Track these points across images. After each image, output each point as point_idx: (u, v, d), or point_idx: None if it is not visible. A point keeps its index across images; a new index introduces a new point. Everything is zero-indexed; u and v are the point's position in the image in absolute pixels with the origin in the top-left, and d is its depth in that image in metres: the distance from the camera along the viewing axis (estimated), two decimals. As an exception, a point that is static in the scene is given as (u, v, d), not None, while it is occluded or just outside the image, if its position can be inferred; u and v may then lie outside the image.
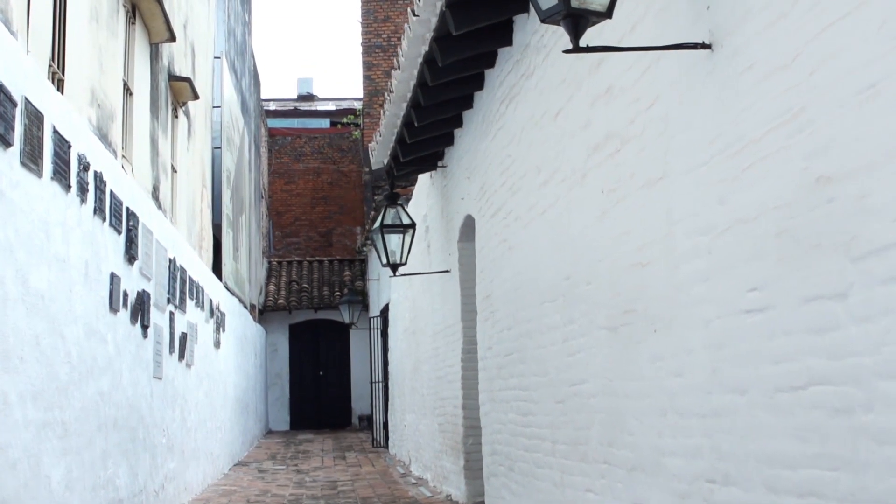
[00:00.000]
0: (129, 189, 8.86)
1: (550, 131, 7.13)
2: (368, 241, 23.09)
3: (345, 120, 36.68)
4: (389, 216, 11.45)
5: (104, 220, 7.78)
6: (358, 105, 34.95)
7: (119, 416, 8.27)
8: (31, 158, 5.96)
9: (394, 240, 11.46)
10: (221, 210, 18.22)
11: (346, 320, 23.86)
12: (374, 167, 12.57)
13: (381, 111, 11.16)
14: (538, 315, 7.44)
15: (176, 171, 13.44)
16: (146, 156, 11.64)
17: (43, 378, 6.11)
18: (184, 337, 11.73)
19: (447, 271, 11.55)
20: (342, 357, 29.23)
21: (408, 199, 13.89)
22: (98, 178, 7.59)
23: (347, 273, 30.43)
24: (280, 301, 29.08)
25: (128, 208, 8.66)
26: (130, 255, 8.70)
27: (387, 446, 20.72)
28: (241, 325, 19.90)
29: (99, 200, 7.60)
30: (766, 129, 3.96)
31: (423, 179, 13.61)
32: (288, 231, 35.45)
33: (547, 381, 7.22)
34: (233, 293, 18.72)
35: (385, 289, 20.68)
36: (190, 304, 12.29)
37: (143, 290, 9.32)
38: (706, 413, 4.49)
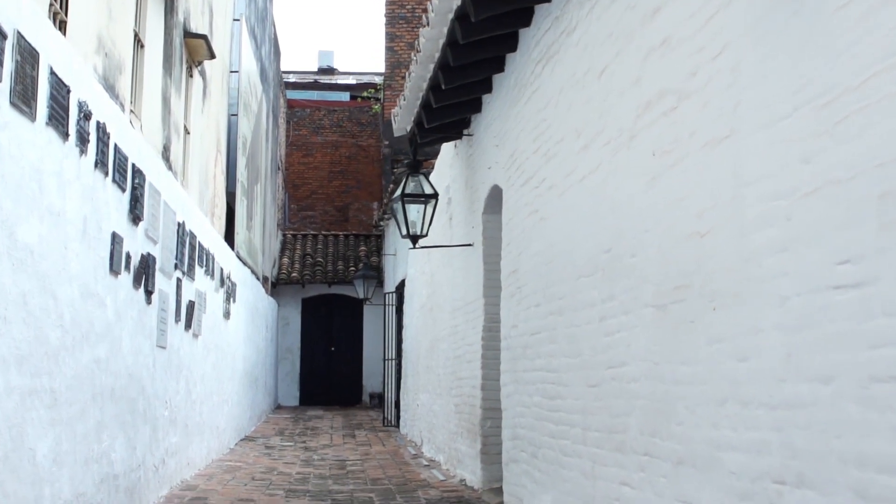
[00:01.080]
0: (136, 145, 8.29)
1: (593, 91, 6.54)
2: (386, 216, 22.57)
3: (365, 94, 36.10)
4: (411, 185, 10.88)
5: (106, 174, 7.22)
6: (379, 79, 34.41)
7: (117, 386, 7.73)
8: (23, 99, 5.39)
9: (415, 210, 10.90)
10: (236, 177, 17.65)
11: (361, 295, 23.31)
12: (396, 134, 11.99)
13: (407, 74, 10.57)
14: (572, 291, 6.86)
15: (189, 133, 12.87)
16: (157, 113, 11.07)
17: (30, 341, 5.55)
18: (191, 305, 11.19)
19: (470, 245, 10.97)
20: (354, 333, 28.71)
21: (429, 172, 13.26)
22: (101, 129, 7.02)
23: (363, 248, 29.86)
24: (293, 274, 28.54)
25: (134, 165, 8.10)
26: (135, 215, 8.15)
27: (398, 426, 20.20)
28: (253, 297, 19.36)
29: (101, 153, 7.03)
30: (867, 73, 3.37)
31: (447, 149, 13.03)
32: (304, 204, 34.92)
33: (579, 363, 6.65)
34: (245, 263, 18.18)
35: (402, 264, 20.13)
36: (199, 271, 11.75)
37: (148, 254, 8.77)
38: (777, 404, 3.91)
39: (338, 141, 35.63)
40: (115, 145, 7.44)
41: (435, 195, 10.91)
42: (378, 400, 27.22)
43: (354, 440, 17.93)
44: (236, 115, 18.14)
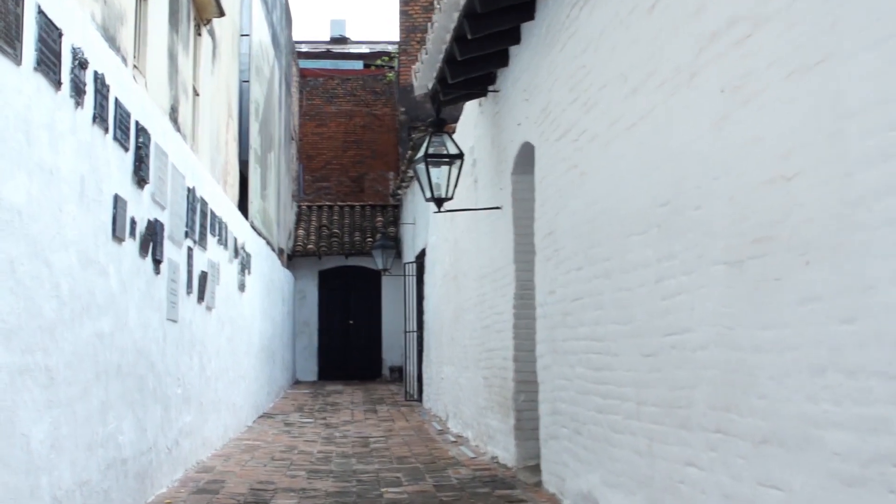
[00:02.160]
0: (140, 101, 7.66)
1: (642, 29, 5.88)
2: (404, 184, 21.90)
3: (378, 62, 35.35)
4: (434, 145, 10.23)
5: (106, 131, 6.58)
6: (393, 48, 33.68)
7: (124, 363, 7.12)
8: (6, 38, 4.75)
9: (439, 172, 10.25)
10: (249, 144, 17.00)
11: (379, 266, 22.69)
12: (417, 92, 11.32)
13: (429, 24, 9.90)
14: (620, 251, 6.21)
15: (198, 95, 12.21)
16: (163, 71, 10.42)
17: (19, 314, 4.93)
18: (204, 276, 10.57)
19: (498, 208, 10.32)
20: (373, 305, 28.09)
21: (451, 133, 12.58)
22: (99, 80, 6.38)
23: (380, 219, 29.23)
24: (309, 246, 27.93)
25: (137, 123, 7.46)
26: (140, 178, 7.52)
27: (420, 400, 19.62)
28: (269, 269, 18.76)
29: (100, 107, 6.39)
30: None
31: (470, 109, 12.36)
32: (318, 175, 34.25)
33: (631, 330, 6.01)
34: (260, 234, 17.56)
35: (421, 233, 19.49)
36: (211, 240, 11.13)
37: (156, 220, 8.14)
38: (897, 373, 3.27)
39: (352, 110, 34.92)
40: (116, 99, 6.80)
41: (460, 155, 10.26)
42: (398, 373, 26.69)
43: (376, 415, 17.35)
44: (248, 81, 17.49)
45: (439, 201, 10.25)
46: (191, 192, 9.71)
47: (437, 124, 10.33)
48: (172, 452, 8.94)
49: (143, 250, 7.69)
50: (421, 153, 10.18)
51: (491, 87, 10.56)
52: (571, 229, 7.39)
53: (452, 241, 14.19)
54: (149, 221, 7.86)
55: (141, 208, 7.63)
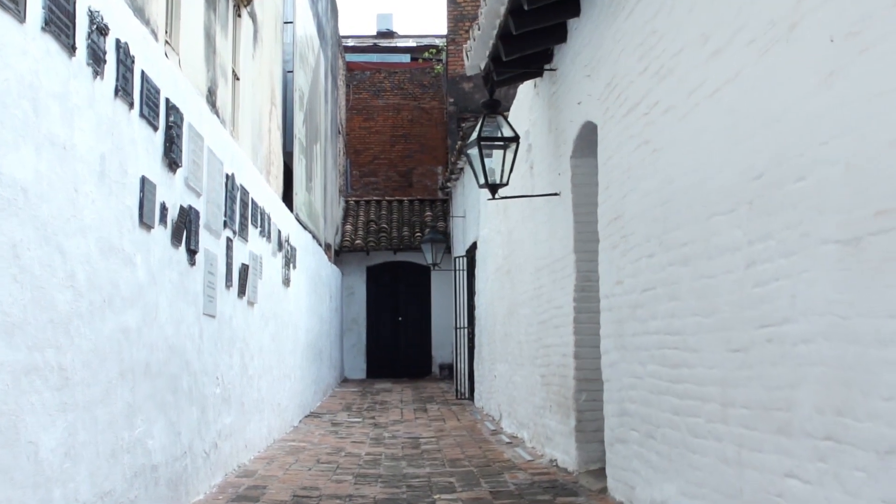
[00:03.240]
0: (172, 77, 7.07)
1: (727, -19, 5.21)
2: (454, 176, 21.27)
3: (426, 54, 34.72)
4: (488, 128, 9.58)
5: (131, 106, 5.99)
6: (440, 41, 33.06)
7: (153, 361, 6.53)
8: (5, -10, 4.16)
9: (493, 156, 9.60)
10: (293, 134, 16.40)
11: (429, 261, 22.03)
12: (469, 72, 10.66)
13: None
14: (702, 234, 5.54)
15: (238, 80, 11.62)
16: (199, 50, 9.83)
17: (24, 305, 4.33)
18: (245, 269, 9.98)
19: (556, 194, 9.65)
20: (422, 302, 27.47)
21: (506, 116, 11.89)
22: (122, 50, 5.79)
23: (429, 213, 28.61)
24: (357, 241, 27.34)
25: (168, 100, 6.87)
26: (171, 160, 6.93)
27: (472, 398, 18.96)
28: (315, 264, 18.19)
29: (123, 79, 5.80)
30: None
31: (524, 92, 11.70)
32: (366, 170, 33.67)
33: (716, 323, 5.34)
34: (305, 227, 16.98)
35: (472, 226, 18.83)
36: (253, 231, 10.54)
37: (190, 207, 7.56)
38: None
39: (399, 104, 34.31)
40: (143, 73, 6.21)
41: (515, 138, 9.61)
42: (448, 371, 26.07)
43: (426, 415, 16.72)
44: (291, 71, 16.91)
45: (493, 187, 9.60)
46: (230, 178, 9.13)
47: (491, 106, 9.68)
48: (210, 456, 8.36)
49: (175, 239, 7.11)
50: (474, 136, 9.53)
51: (547, 66, 9.91)
52: (642, 213, 6.72)
53: (506, 233, 13.54)
54: (182, 208, 7.27)
55: (173, 193, 7.04)
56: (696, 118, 5.66)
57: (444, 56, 28.98)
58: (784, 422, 4.45)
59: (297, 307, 15.24)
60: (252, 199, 10.42)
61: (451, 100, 25.69)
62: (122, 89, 5.77)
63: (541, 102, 10.51)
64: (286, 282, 13.52)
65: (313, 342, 17.76)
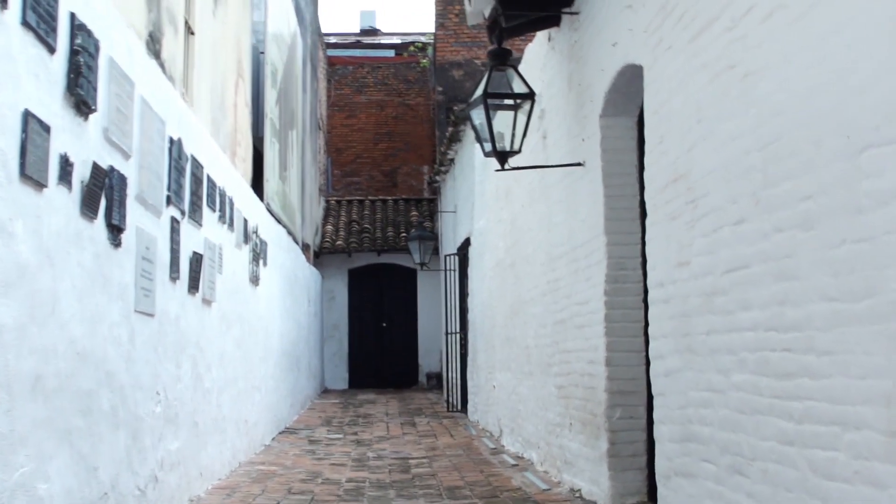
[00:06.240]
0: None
1: None
2: (443, 168, 19.48)
3: (412, 48, 32.88)
4: (496, 82, 7.77)
5: (3, 4, 4.16)
6: (425, 39, 31.30)
7: (48, 373, 4.68)
8: None
9: (502, 117, 7.79)
10: (264, 112, 14.49)
11: (417, 260, 20.16)
12: (470, 22, 8.83)
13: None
14: (842, 179, 3.73)
15: (193, 34, 9.75)
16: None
17: None
18: (197, 259, 8.14)
19: (579, 164, 7.85)
20: (408, 306, 25.62)
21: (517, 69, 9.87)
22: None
23: (415, 213, 26.79)
24: (338, 242, 25.48)
25: (74, 16, 5.04)
26: (79, 100, 5.09)
27: (464, 411, 17.14)
28: (291, 263, 16.31)
29: (-13, -37, 3.97)
30: None
31: (533, 51, 9.88)
32: (348, 170, 31.82)
33: (871, 311, 3.53)
34: (279, 221, 15.09)
35: (465, 220, 17.01)
36: (209, 215, 8.69)
37: (112, 169, 5.72)
38: None
39: (383, 100, 32.47)
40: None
41: (530, 94, 7.79)
42: (437, 381, 24.30)
43: (415, 430, 14.86)
44: (264, 42, 15.05)
45: (503, 155, 7.77)
46: (175, 144, 7.29)
47: (499, 56, 7.86)
48: (148, 493, 6.50)
49: (87, 208, 5.27)
50: (479, 92, 7.70)
51: (566, 10, 8.11)
52: (722, 166, 4.90)
53: (508, 222, 11.71)
54: (97, 167, 5.42)
55: (82, 146, 5.20)
56: (827, 13, 3.85)
57: (431, 47, 27.21)
58: None
59: (269, 310, 13.37)
60: (208, 176, 8.58)
61: (440, 89, 23.90)
62: (-16, -25, 3.94)
63: (557, 57, 8.70)
64: (254, 279, 11.66)
65: (289, 349, 15.88)
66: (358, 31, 39.04)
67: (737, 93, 4.71)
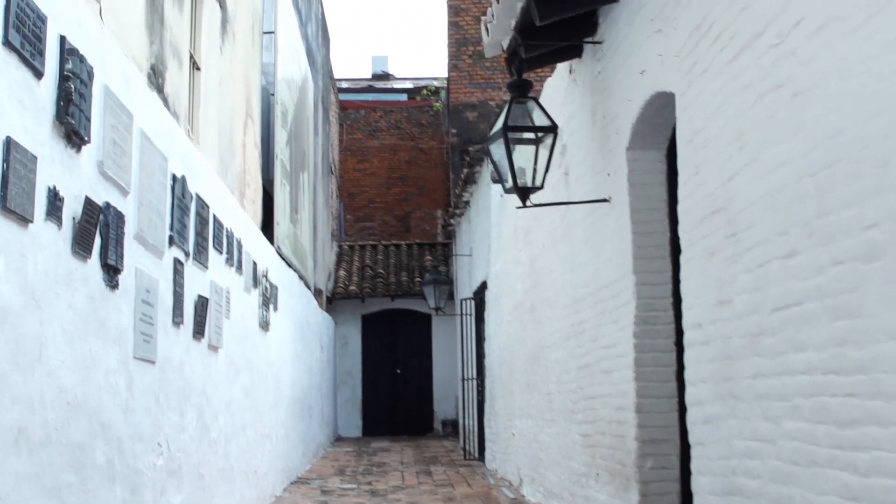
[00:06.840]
0: (73, 13, 4.88)
1: None
2: (458, 211, 19.10)
3: (424, 92, 32.64)
4: (516, 115, 7.39)
5: (-18, 22, 3.81)
6: (438, 83, 31.06)
7: (33, 425, 4.27)
8: None
9: (523, 152, 7.40)
10: (275, 153, 14.15)
11: (432, 305, 19.78)
12: (488, 54, 8.46)
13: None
14: (916, 204, 3.32)
15: (199, 70, 9.42)
16: (137, 8, 7.56)
17: None
18: (203, 303, 7.74)
19: (604, 200, 7.45)
20: (423, 352, 25.19)
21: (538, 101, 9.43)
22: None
23: (429, 257, 26.41)
24: (351, 288, 25.11)
25: (64, 39, 4.68)
26: (69, 128, 4.72)
27: (482, 459, 16.67)
28: (303, 308, 15.91)
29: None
30: None
31: (553, 85, 9.53)
32: (361, 215, 31.50)
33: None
34: (290, 265, 14.72)
35: (481, 264, 16.61)
36: (216, 257, 8.31)
37: (108, 206, 5.34)
38: None
39: (396, 144, 32.18)
40: (9, -18, 4.02)
41: (553, 127, 7.40)
42: (452, 428, 23.83)
43: (431, 479, 14.39)
44: (273, 94, 14.75)
45: (524, 191, 7.37)
46: (178, 182, 6.92)
47: (520, 87, 7.48)
48: (148, 552, 6.08)
49: (80, 246, 4.88)
50: (498, 126, 7.32)
51: (588, 39, 7.75)
52: (770, 195, 4.49)
53: (527, 263, 11.30)
54: (90, 202, 5.03)
55: (74, 179, 4.82)
56: (891, 20, 3.46)
57: (444, 90, 26.94)
58: None
59: (280, 356, 12.96)
60: (214, 216, 8.21)
61: (454, 131, 23.56)
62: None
63: (579, 90, 8.33)
64: (264, 325, 11.26)
65: (300, 397, 15.45)
66: (370, 76, 38.87)
67: (785, 114, 4.31)
